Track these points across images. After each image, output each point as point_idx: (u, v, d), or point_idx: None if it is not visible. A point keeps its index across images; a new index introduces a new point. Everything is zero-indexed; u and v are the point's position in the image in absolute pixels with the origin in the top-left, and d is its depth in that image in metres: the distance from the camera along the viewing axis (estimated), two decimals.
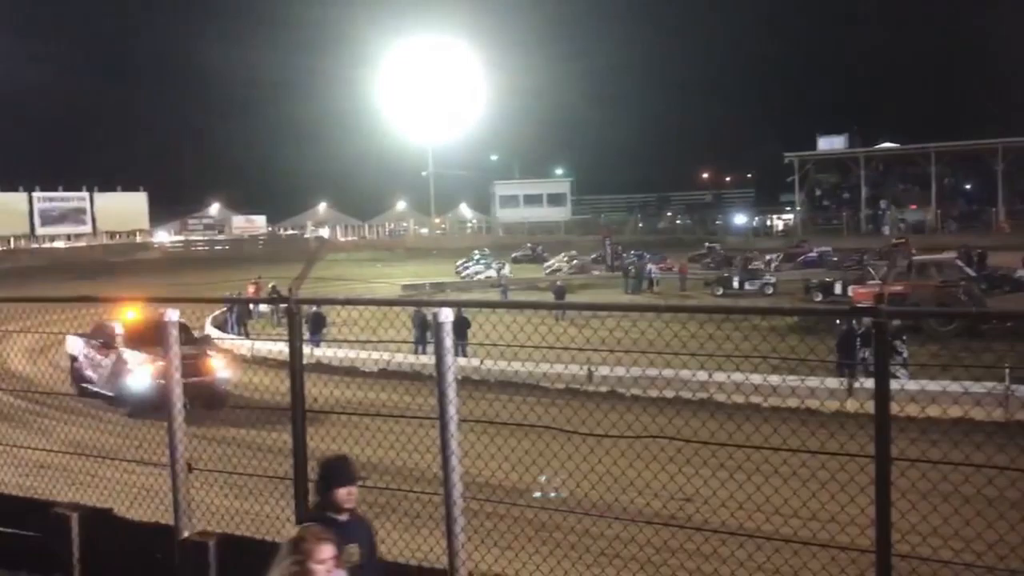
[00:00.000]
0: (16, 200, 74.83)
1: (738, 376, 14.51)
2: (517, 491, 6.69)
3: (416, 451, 6.63)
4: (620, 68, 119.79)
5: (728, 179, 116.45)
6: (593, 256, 54.97)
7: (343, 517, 4.01)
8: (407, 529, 6.66)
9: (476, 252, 55.22)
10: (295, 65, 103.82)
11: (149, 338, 11.18)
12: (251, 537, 5.54)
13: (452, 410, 4.19)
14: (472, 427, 5.35)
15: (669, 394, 14.56)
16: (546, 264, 53.46)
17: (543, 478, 7.31)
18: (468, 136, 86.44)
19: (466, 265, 51.87)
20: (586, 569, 6.03)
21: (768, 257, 48.01)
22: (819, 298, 32.53)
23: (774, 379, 14.18)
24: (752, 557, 5.28)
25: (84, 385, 19.61)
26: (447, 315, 4.17)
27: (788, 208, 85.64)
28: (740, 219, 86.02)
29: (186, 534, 5.53)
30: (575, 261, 52.50)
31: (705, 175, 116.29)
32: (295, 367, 4.36)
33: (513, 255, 59.71)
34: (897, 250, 36.84)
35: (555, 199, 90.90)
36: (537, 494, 7.80)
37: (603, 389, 17.42)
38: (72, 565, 6.18)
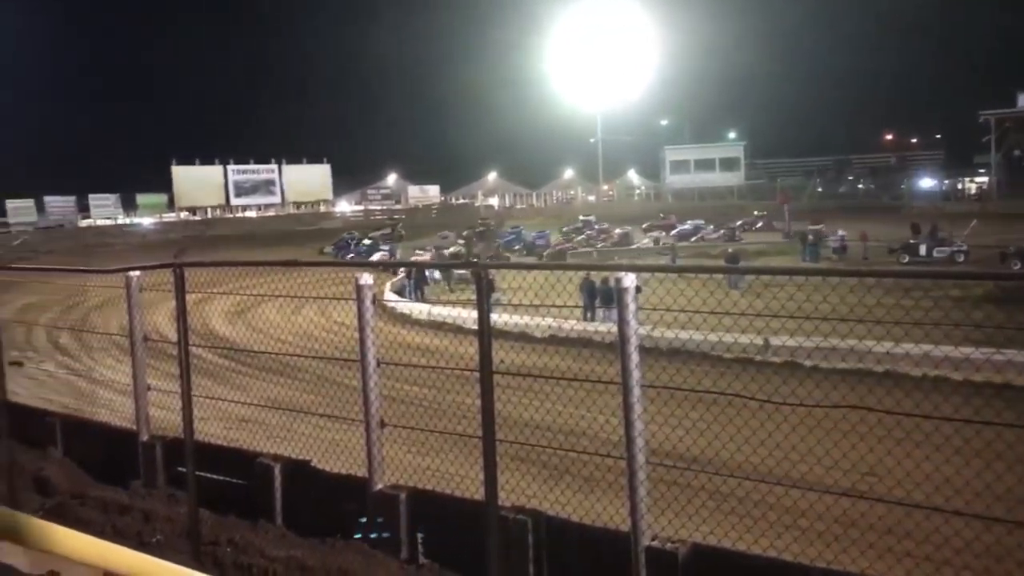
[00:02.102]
0: (213, 172, 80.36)
1: (926, 346, 13.73)
2: (692, 458, 6.64)
3: (589, 414, 6.71)
4: (796, 24, 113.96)
5: (914, 140, 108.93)
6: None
7: None
8: (584, 491, 6.77)
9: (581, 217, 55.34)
10: (467, 36, 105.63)
11: None
12: (440, 492, 5.79)
13: (635, 376, 4.22)
14: (648, 394, 5.35)
15: (849, 365, 13.98)
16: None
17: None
18: (637, 101, 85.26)
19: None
20: (762, 538, 5.92)
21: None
22: (1017, 266, 30.19)
23: (965, 350, 13.32)
24: (938, 530, 5.03)
25: None
26: (630, 280, 4.18)
27: (982, 170, 79.53)
28: (928, 183, 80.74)
29: (379, 486, 5.86)
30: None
31: (889, 136, 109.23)
32: (482, 330, 4.51)
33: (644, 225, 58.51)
34: None
35: (728, 164, 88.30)
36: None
37: (779, 359, 16.95)
38: (275, 512, 6.67)
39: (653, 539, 4.63)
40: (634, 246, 48.03)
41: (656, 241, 48.57)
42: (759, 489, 5.87)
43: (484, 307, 4.41)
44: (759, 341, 17.34)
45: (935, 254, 35.56)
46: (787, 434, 6.16)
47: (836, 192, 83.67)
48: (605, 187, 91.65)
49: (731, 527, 6.01)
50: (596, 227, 55.34)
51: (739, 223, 54.24)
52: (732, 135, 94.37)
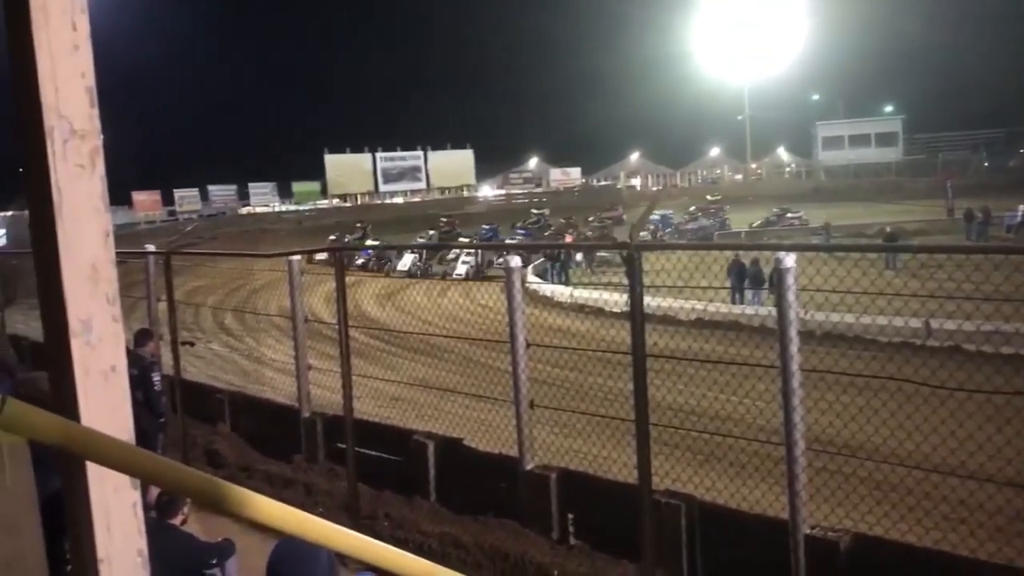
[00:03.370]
0: (363, 160, 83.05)
1: None
2: (850, 446, 6.37)
3: (735, 398, 6.54)
4: None
5: None
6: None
7: None
8: (736, 477, 6.62)
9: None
10: (608, 14, 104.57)
11: None
12: (591, 473, 5.79)
13: (795, 361, 4.07)
14: (803, 379, 5.17)
15: (1015, 349, 13.07)
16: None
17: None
18: (787, 75, 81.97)
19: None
20: (927, 532, 5.62)
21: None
22: None
23: None
24: None
25: None
26: (790, 261, 4.03)
27: None
28: None
29: (529, 466, 5.92)
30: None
31: None
32: (635, 313, 4.46)
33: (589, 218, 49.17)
34: None
35: (884, 139, 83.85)
36: None
37: (943, 344, 16.03)
38: (429, 488, 6.86)
39: (813, 527, 4.48)
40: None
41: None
42: (930, 479, 5.56)
43: (637, 289, 4.36)
44: (918, 324, 16.45)
45: None
46: (954, 428, 5.83)
47: (1006, 166, 78.07)
48: (753, 165, 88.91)
49: (899, 519, 5.71)
50: (545, 221, 48.37)
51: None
52: (889, 109, 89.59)
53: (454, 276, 31.87)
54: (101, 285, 1.94)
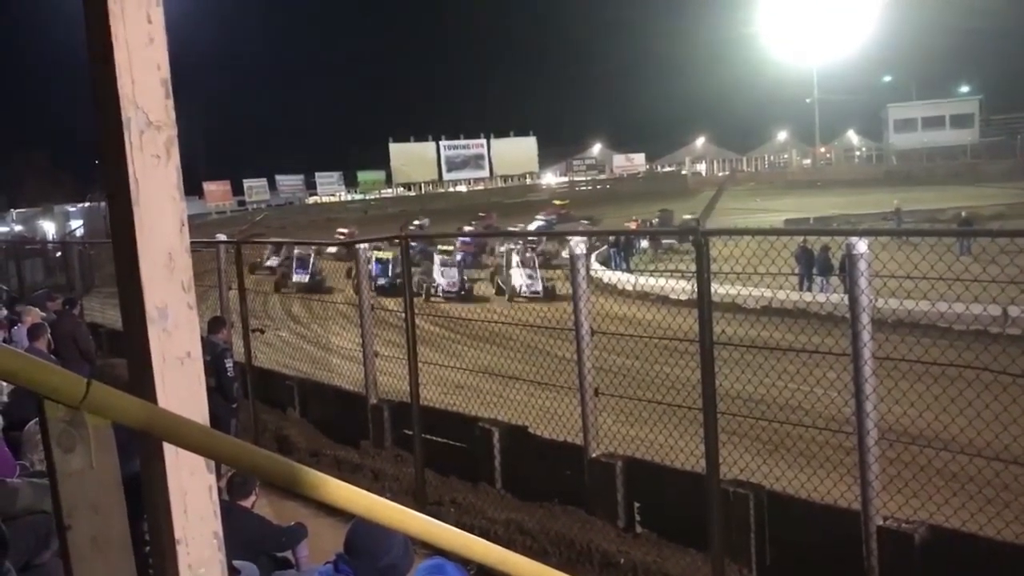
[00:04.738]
0: (427, 149, 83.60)
1: None
2: (926, 437, 6.20)
3: (806, 386, 6.41)
4: None
5: None
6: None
7: None
8: (807, 467, 6.50)
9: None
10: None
11: None
12: (656, 462, 5.75)
13: (868, 350, 3.98)
14: (875, 367, 5.04)
15: None
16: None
17: None
18: (857, 56, 79.77)
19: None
20: (1006, 526, 5.45)
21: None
22: None
23: None
24: None
25: None
26: (863, 246, 3.93)
27: None
28: None
29: (594, 454, 5.91)
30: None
31: None
32: (702, 300, 4.41)
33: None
34: None
35: (960, 120, 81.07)
36: None
37: (1019, 331, 15.54)
38: (494, 475, 6.89)
39: (886, 519, 4.38)
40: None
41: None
42: (1010, 471, 5.39)
43: (705, 276, 4.30)
44: (996, 311, 15.95)
45: None
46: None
47: None
48: (822, 149, 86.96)
49: (976, 511, 5.55)
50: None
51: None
52: (965, 90, 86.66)
53: (439, 294, 26.86)
54: (176, 273, 1.99)
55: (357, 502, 1.27)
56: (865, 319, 3.97)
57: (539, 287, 26.00)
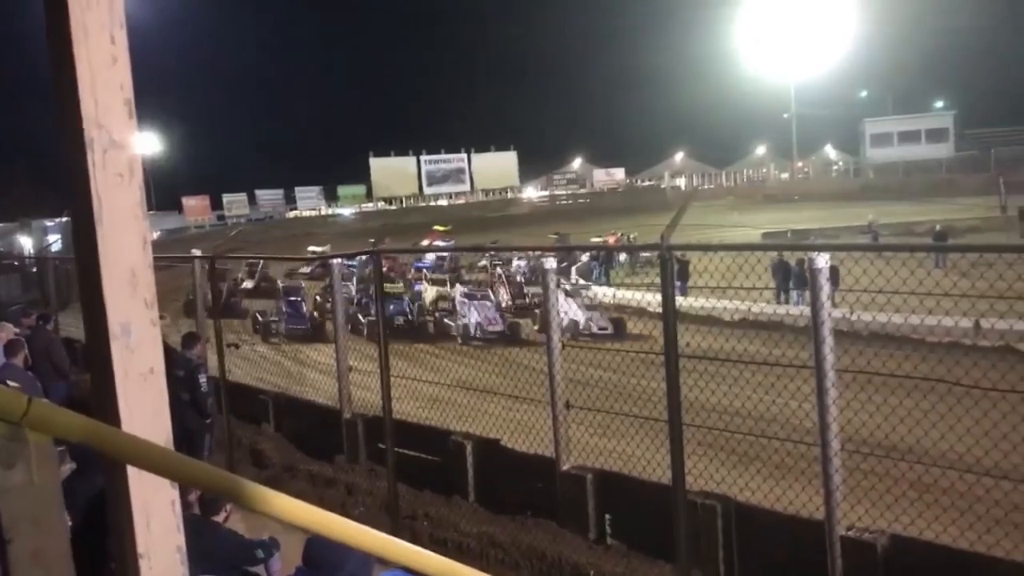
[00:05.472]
0: (407, 163, 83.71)
1: None
2: (893, 447, 6.29)
3: (780, 399, 6.49)
4: None
5: None
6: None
7: None
8: (774, 478, 6.58)
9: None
10: (650, 13, 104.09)
11: None
12: (626, 474, 5.81)
13: (829, 361, 4.06)
14: (844, 380, 5.13)
15: None
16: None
17: None
18: (834, 72, 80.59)
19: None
20: (969, 530, 5.54)
21: None
22: None
23: None
24: None
25: None
26: (822, 261, 4.02)
27: None
28: None
29: (565, 467, 5.95)
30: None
31: None
32: (667, 313, 4.48)
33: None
34: None
35: (935, 135, 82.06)
36: None
37: (993, 343, 15.73)
38: (467, 488, 6.92)
39: (849, 528, 4.45)
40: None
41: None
42: (965, 480, 5.50)
43: (668, 290, 4.38)
44: (968, 324, 16.14)
45: None
46: (997, 422, 5.74)
47: None
48: (800, 164, 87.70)
49: (933, 519, 5.65)
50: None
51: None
52: (940, 104, 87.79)
53: (474, 334, 20.81)
54: (140, 290, 2.02)
55: (302, 516, 1.32)
56: (825, 332, 4.05)
57: (606, 323, 21.02)
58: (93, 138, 1.94)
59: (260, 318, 22.86)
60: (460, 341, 19.85)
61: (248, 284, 30.39)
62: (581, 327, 20.64)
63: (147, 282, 2.04)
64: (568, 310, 19.85)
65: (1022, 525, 5.60)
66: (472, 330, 20.72)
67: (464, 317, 21.14)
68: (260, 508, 1.30)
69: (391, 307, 19.82)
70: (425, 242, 39.75)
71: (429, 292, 25.32)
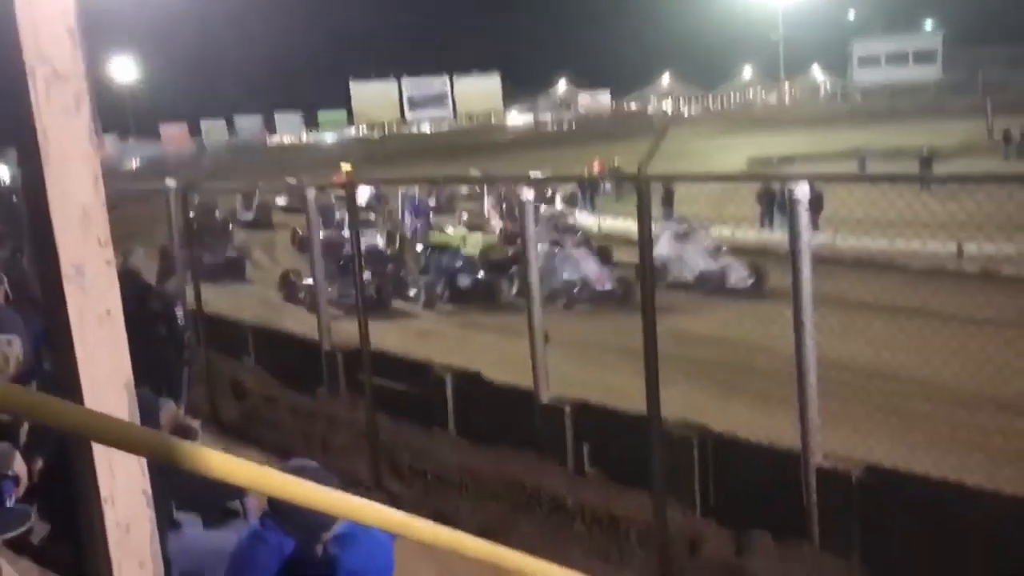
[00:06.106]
0: (388, 87, 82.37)
1: None
2: (874, 373, 6.33)
3: (761, 327, 6.51)
4: None
5: None
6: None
7: None
8: (756, 407, 6.63)
9: None
10: None
11: None
12: (602, 405, 5.82)
13: (806, 290, 4.03)
14: (825, 306, 5.11)
15: None
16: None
17: None
18: None
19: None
20: (945, 458, 5.60)
21: None
22: None
23: None
24: None
25: None
26: (803, 192, 3.96)
27: None
28: None
29: (544, 399, 5.97)
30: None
31: None
32: (643, 245, 4.42)
33: None
34: None
35: (923, 57, 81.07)
36: None
37: (974, 269, 15.82)
38: (447, 419, 6.93)
39: (824, 458, 4.48)
40: None
41: None
42: (945, 409, 5.55)
43: (645, 219, 4.32)
44: (952, 248, 16.19)
45: None
46: (990, 353, 5.77)
47: None
48: (787, 86, 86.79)
49: (914, 447, 5.72)
50: None
51: None
52: (928, 26, 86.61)
53: (579, 296, 15.30)
54: (93, 229, 1.94)
55: (238, 473, 1.27)
56: (803, 261, 4.02)
57: (746, 272, 15.51)
58: (35, 69, 1.83)
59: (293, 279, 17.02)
60: (564, 305, 14.58)
61: (247, 216, 27.96)
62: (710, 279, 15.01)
63: (100, 221, 1.96)
64: (685, 257, 15.36)
65: (991, 446, 5.68)
66: (576, 291, 15.42)
67: (555, 273, 15.56)
68: (190, 465, 1.25)
69: (443, 262, 16.56)
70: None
71: (471, 239, 20.10)
